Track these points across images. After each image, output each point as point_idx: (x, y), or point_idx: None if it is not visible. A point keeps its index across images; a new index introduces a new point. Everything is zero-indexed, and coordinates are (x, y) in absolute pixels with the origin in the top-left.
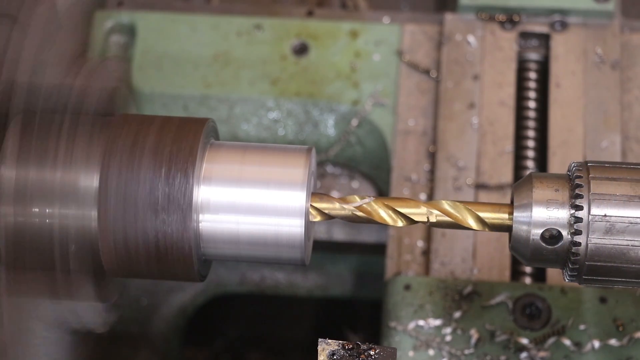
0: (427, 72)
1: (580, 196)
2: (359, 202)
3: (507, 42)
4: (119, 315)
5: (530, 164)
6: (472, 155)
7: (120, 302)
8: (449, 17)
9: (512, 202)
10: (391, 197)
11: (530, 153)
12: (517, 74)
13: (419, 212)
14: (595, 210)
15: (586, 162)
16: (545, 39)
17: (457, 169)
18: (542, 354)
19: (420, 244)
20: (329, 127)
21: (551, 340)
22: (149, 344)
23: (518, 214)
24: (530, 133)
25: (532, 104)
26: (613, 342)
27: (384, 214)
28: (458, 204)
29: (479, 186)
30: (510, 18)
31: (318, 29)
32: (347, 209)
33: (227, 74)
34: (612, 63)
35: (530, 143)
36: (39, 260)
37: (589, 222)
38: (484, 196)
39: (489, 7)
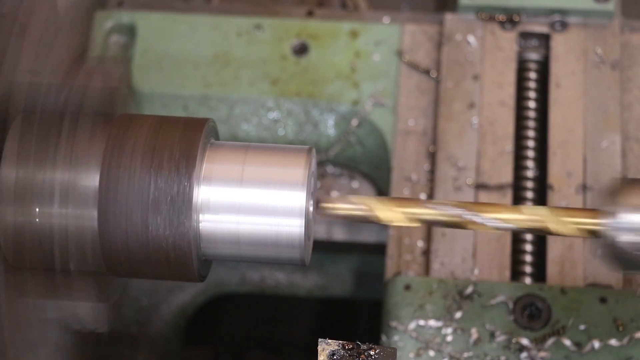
0: (427, 72)
1: None
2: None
3: (507, 42)
4: (119, 315)
5: (530, 164)
6: (472, 155)
7: (120, 302)
8: (449, 17)
9: (601, 208)
10: (485, 203)
11: (530, 153)
12: (517, 74)
13: (519, 219)
14: None
15: None
16: (545, 39)
17: (457, 169)
18: (542, 354)
19: (420, 244)
20: (329, 127)
21: (551, 340)
22: (149, 344)
23: (610, 220)
24: (530, 133)
25: (532, 104)
26: (613, 342)
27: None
28: (551, 209)
29: (479, 186)
30: (510, 18)
31: (318, 29)
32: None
33: (227, 74)
34: (612, 63)
35: (530, 143)
36: (39, 260)
37: None
38: (484, 196)
39: (489, 7)
